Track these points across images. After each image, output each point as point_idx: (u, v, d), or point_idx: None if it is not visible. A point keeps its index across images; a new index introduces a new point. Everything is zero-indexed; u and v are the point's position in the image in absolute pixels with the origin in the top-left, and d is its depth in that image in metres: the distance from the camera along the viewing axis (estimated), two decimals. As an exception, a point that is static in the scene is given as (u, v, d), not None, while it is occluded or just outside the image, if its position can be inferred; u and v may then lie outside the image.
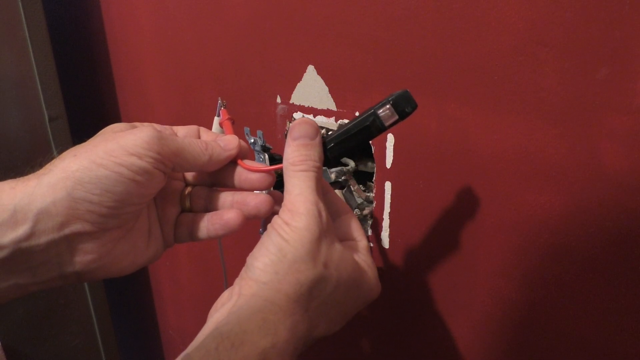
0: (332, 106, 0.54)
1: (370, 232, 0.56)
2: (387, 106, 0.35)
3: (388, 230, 0.54)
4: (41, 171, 0.32)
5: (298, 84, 0.56)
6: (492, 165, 0.44)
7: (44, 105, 0.79)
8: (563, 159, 0.39)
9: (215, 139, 0.38)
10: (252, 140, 0.48)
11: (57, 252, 0.32)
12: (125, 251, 0.35)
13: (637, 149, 0.36)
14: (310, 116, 0.56)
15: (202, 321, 0.33)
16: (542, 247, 0.43)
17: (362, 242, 0.39)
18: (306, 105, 0.56)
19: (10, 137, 0.77)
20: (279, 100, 0.59)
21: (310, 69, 0.54)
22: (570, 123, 0.38)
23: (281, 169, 0.35)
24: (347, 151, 0.36)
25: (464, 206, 0.47)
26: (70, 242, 0.32)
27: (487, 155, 0.44)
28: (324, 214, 0.33)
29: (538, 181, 0.41)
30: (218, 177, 0.39)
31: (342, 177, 0.54)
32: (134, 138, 0.32)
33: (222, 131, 0.43)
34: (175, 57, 0.72)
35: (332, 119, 0.54)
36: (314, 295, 0.32)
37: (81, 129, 0.98)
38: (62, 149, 0.33)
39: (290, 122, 0.58)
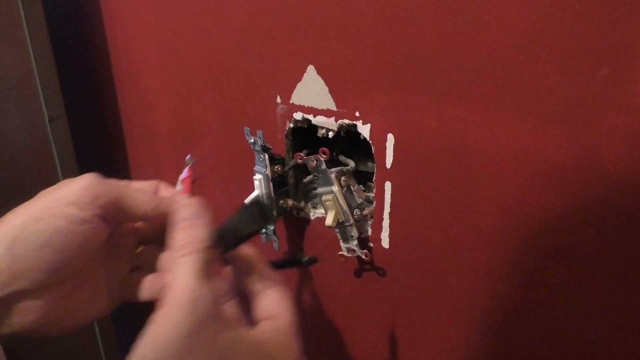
0: (332, 106, 0.53)
1: (370, 232, 0.56)
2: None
3: (388, 230, 0.54)
4: None
5: (298, 84, 0.56)
6: (492, 165, 0.44)
7: (44, 105, 0.79)
8: (563, 159, 0.39)
9: (173, 195, 0.37)
10: (252, 140, 0.48)
11: None
12: (68, 310, 0.33)
13: (637, 149, 0.36)
14: (311, 116, 0.56)
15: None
16: (542, 247, 0.43)
17: (281, 320, 0.35)
18: (306, 105, 0.56)
19: (10, 137, 0.77)
20: (279, 100, 0.59)
21: (310, 69, 0.54)
22: (570, 123, 0.38)
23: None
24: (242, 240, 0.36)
25: (464, 206, 0.47)
26: (8, 302, 0.30)
27: (486, 155, 0.44)
28: (202, 300, 0.29)
29: (538, 181, 0.41)
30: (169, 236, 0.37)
31: (342, 178, 0.54)
32: (73, 186, 0.32)
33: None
34: (175, 57, 0.72)
35: (332, 119, 0.54)
36: None
37: (81, 129, 0.98)
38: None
39: (290, 123, 0.58)
